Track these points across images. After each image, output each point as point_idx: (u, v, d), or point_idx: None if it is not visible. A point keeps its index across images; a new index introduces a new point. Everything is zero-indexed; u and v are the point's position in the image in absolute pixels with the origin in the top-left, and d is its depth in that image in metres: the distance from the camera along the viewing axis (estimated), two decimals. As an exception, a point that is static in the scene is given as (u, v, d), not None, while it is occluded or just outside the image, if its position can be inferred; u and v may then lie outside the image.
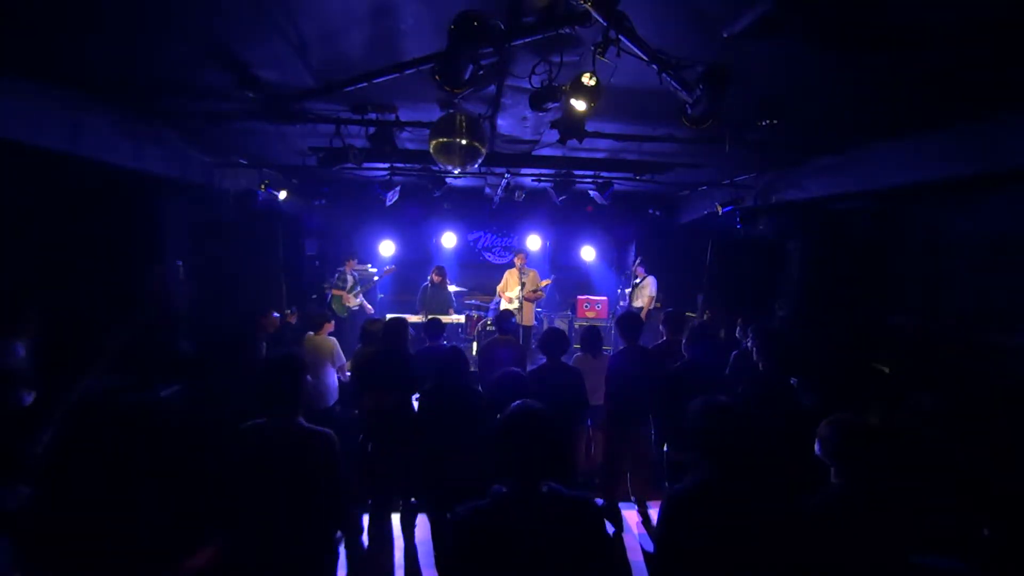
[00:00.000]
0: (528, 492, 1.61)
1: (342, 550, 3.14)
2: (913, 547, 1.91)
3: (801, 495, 2.04)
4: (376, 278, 8.33)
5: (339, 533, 2.39)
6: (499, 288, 7.82)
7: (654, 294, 7.81)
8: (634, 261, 8.11)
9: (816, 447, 2.17)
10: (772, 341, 3.55)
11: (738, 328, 4.53)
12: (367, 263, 8.95)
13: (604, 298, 8.80)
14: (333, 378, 5.01)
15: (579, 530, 1.61)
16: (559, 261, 10.45)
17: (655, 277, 7.90)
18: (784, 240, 6.63)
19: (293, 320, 5.90)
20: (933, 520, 2.43)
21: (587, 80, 2.67)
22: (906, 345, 4.73)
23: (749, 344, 3.79)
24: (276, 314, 5.57)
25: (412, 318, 7.48)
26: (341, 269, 7.79)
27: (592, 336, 4.46)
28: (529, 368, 4.33)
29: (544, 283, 7.94)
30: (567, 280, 9.98)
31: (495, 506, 1.60)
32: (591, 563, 1.61)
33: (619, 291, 8.55)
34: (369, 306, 8.01)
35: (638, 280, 7.93)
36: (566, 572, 1.57)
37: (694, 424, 1.95)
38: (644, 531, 4.15)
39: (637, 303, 7.90)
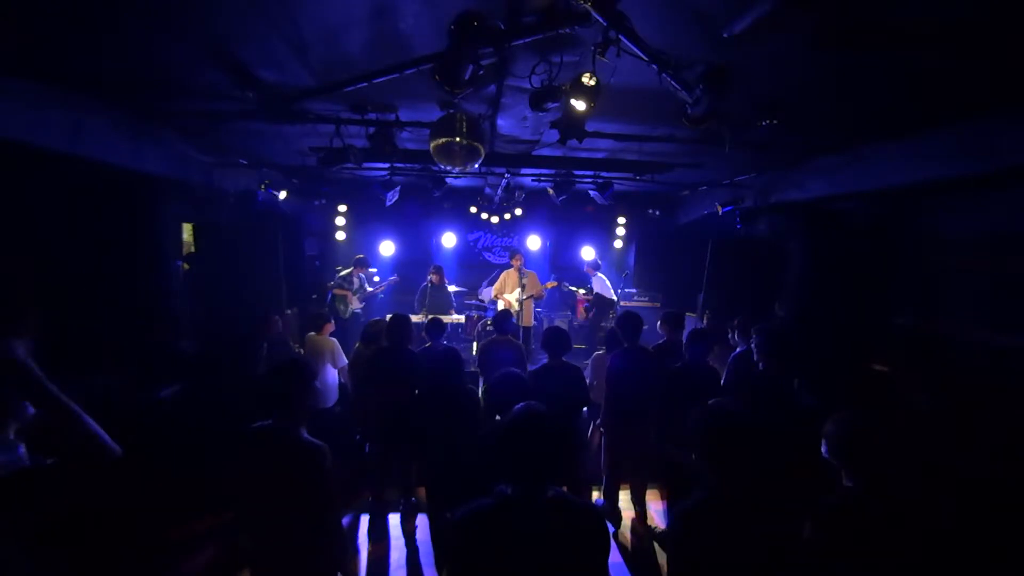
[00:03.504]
0: (532, 495, 1.60)
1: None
2: (925, 547, 1.88)
3: (815, 496, 2.00)
4: (382, 285, 8.18)
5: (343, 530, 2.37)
6: (495, 288, 7.58)
7: (590, 291, 8.32)
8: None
9: (823, 448, 2.11)
10: (773, 341, 3.55)
11: (734, 332, 4.51)
12: (368, 264, 8.91)
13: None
14: (334, 378, 5.00)
15: (583, 538, 1.60)
16: (559, 261, 10.45)
17: (603, 276, 8.41)
18: (784, 240, 6.62)
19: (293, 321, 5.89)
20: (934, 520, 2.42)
21: (587, 80, 2.67)
22: (906, 345, 4.73)
23: (752, 345, 3.79)
24: (276, 316, 5.57)
25: (412, 318, 7.43)
26: (349, 270, 7.61)
27: (615, 336, 4.57)
28: (530, 368, 4.33)
29: (550, 284, 7.92)
30: (566, 280, 9.98)
31: (498, 507, 1.60)
32: (592, 571, 1.60)
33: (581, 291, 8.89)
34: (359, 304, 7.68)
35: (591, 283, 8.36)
36: None
37: (696, 431, 1.91)
38: (643, 531, 4.15)
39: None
